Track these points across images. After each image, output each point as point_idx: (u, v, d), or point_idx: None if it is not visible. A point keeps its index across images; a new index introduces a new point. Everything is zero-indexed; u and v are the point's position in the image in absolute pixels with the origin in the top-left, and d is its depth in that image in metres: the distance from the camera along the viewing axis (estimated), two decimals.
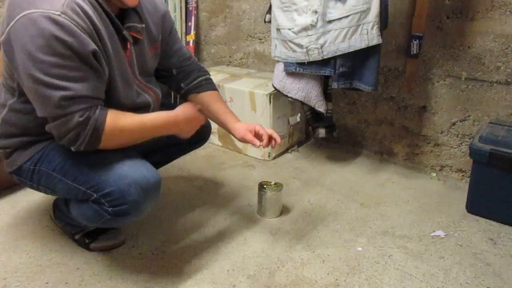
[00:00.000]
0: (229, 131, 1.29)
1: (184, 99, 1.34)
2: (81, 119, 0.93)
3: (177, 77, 1.31)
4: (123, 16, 1.05)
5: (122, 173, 1.01)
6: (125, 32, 1.03)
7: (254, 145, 1.22)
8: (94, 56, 0.93)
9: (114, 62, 1.01)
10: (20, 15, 0.87)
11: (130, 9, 1.06)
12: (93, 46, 0.91)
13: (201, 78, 1.32)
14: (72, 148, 0.97)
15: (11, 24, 0.88)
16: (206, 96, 1.32)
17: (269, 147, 1.26)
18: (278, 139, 1.24)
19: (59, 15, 0.86)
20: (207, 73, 1.36)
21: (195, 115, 1.13)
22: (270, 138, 1.24)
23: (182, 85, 1.31)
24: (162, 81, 1.30)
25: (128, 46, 1.07)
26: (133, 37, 1.07)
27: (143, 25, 1.10)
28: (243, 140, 1.25)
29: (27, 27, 0.86)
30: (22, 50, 0.88)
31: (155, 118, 1.06)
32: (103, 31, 0.96)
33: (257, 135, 1.24)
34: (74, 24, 0.88)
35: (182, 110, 1.10)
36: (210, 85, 1.34)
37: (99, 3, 0.96)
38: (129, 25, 1.05)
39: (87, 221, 1.11)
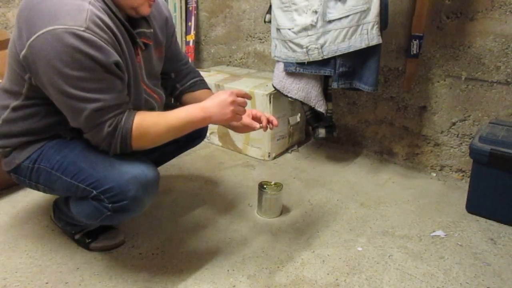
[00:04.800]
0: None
1: (178, 99, 1.37)
2: (109, 128, 0.97)
3: (175, 79, 1.35)
4: (132, 22, 1.06)
5: (121, 170, 1.02)
6: (138, 40, 1.05)
7: (253, 128, 1.20)
8: (116, 65, 0.95)
9: (131, 69, 1.04)
10: (43, 30, 0.87)
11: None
12: (116, 57, 0.94)
13: (195, 79, 1.36)
14: (111, 154, 1.02)
15: (32, 38, 0.89)
16: (200, 93, 1.34)
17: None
18: (275, 121, 1.23)
19: (83, 31, 0.88)
20: (201, 75, 1.39)
21: (226, 97, 1.05)
22: (268, 120, 1.24)
23: (178, 85, 1.35)
24: None
25: (139, 52, 1.09)
26: (143, 43, 1.09)
27: (151, 30, 1.12)
28: (242, 126, 1.22)
29: (52, 43, 0.87)
30: (48, 66, 0.89)
31: (178, 114, 1.04)
32: (122, 41, 0.99)
33: (255, 118, 1.23)
34: (98, 38, 0.90)
35: (204, 102, 1.07)
36: (204, 85, 1.37)
37: (113, 13, 0.97)
38: (139, 31, 1.07)
39: (88, 219, 1.11)
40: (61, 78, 0.90)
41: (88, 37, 0.88)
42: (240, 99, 1.08)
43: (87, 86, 0.92)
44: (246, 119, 1.22)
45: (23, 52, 0.92)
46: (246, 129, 1.23)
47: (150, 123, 1.02)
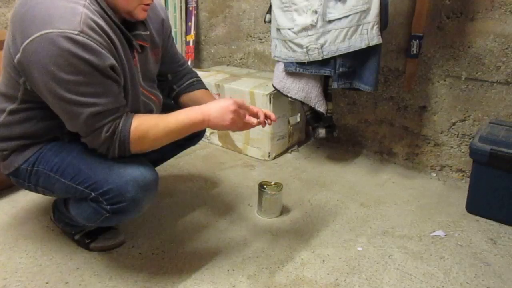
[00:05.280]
0: None
1: (175, 100, 1.36)
2: (107, 134, 0.96)
3: (171, 81, 1.34)
4: (128, 25, 1.06)
5: (119, 171, 1.01)
6: (135, 43, 1.05)
7: (251, 123, 1.19)
8: (112, 69, 0.94)
9: (127, 72, 1.03)
10: (36, 34, 0.87)
11: None
12: (111, 60, 0.93)
13: (192, 79, 1.35)
14: (109, 157, 1.02)
15: (26, 42, 0.88)
16: (197, 93, 1.34)
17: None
18: (273, 116, 1.21)
19: (77, 34, 0.87)
20: (198, 75, 1.39)
21: (229, 104, 1.04)
22: (265, 115, 1.22)
23: (174, 87, 1.34)
24: None
25: (135, 54, 1.08)
26: (139, 45, 1.08)
27: (148, 32, 1.11)
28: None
29: (46, 47, 0.86)
30: (43, 71, 0.88)
31: (182, 117, 1.04)
32: (117, 44, 0.98)
33: (252, 114, 1.22)
34: (93, 41, 0.89)
35: (205, 105, 1.07)
36: (201, 85, 1.37)
37: (108, 16, 0.97)
38: (136, 33, 1.06)
39: (86, 220, 1.11)
40: (56, 82, 0.89)
41: (83, 40, 0.88)
42: (242, 110, 1.08)
43: (83, 90, 0.91)
44: None
45: (17, 57, 0.91)
46: (244, 126, 1.22)
47: (148, 126, 1.02)
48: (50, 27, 0.87)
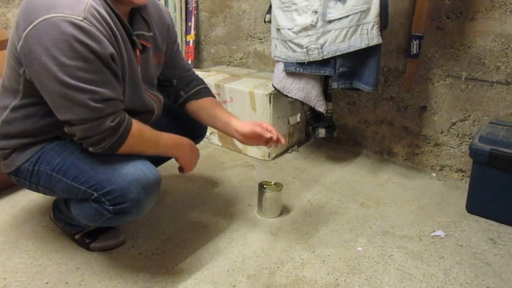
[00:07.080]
0: (233, 131, 1.27)
1: (182, 107, 1.36)
2: (112, 124, 0.96)
3: (177, 86, 1.34)
4: (132, 24, 1.06)
5: (122, 172, 1.01)
6: (135, 38, 1.05)
7: (263, 135, 1.24)
8: (112, 59, 0.94)
9: (127, 67, 1.03)
10: (40, 19, 0.86)
11: (139, 17, 1.08)
12: (111, 49, 0.93)
13: (200, 86, 1.35)
14: (91, 149, 1.00)
15: (29, 28, 0.88)
16: (206, 102, 1.33)
17: (269, 146, 1.29)
18: (283, 140, 1.27)
19: (81, 20, 0.87)
20: (205, 83, 1.39)
21: (196, 148, 1.27)
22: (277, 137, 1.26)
23: (182, 93, 1.34)
24: (161, 90, 1.32)
25: (138, 52, 1.09)
26: (141, 44, 1.08)
27: (151, 34, 1.12)
28: (252, 134, 1.24)
29: (48, 31, 0.86)
30: (44, 54, 0.88)
31: (168, 137, 1.14)
32: (119, 38, 0.99)
33: (268, 131, 1.26)
34: (95, 29, 0.89)
35: (188, 139, 1.22)
36: (208, 92, 1.37)
37: (113, 10, 0.97)
38: (138, 33, 1.07)
39: (88, 220, 1.11)
40: (57, 66, 0.88)
41: (86, 27, 0.88)
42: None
43: (82, 76, 0.90)
44: (257, 128, 1.24)
45: (19, 43, 0.91)
46: (255, 140, 1.26)
47: (146, 131, 1.06)
48: (54, 12, 0.86)
